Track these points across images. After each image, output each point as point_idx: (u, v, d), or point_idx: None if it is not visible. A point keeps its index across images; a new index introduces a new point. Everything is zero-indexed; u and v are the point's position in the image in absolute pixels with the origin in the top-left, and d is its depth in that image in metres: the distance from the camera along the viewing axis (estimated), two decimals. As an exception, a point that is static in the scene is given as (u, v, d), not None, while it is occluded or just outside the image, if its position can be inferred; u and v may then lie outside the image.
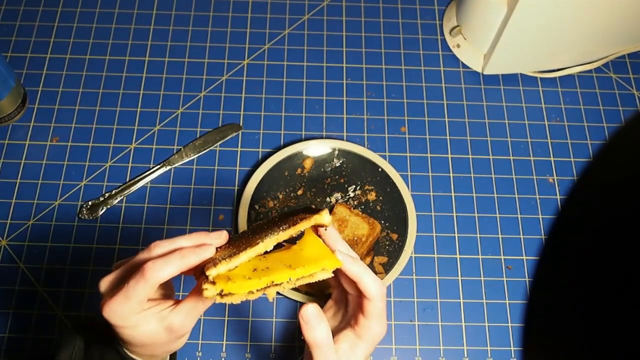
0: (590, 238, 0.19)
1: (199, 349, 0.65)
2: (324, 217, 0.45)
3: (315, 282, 0.46)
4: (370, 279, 0.47)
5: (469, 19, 0.81)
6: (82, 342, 0.49)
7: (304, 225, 0.45)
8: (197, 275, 0.45)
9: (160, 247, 0.44)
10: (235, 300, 0.42)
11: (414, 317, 0.68)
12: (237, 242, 0.45)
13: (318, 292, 0.65)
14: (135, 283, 0.42)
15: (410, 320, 0.67)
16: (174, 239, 0.45)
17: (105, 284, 0.45)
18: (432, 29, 0.86)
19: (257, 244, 0.43)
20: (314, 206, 0.54)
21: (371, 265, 0.68)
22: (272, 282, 0.42)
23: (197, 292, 0.44)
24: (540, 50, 0.79)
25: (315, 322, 0.44)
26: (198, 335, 0.66)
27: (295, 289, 0.65)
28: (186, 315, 0.45)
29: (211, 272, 0.41)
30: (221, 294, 0.41)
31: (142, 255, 0.44)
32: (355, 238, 0.67)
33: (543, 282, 0.22)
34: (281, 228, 0.44)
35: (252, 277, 0.42)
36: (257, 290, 0.42)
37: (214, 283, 0.41)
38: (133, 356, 0.48)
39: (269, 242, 0.43)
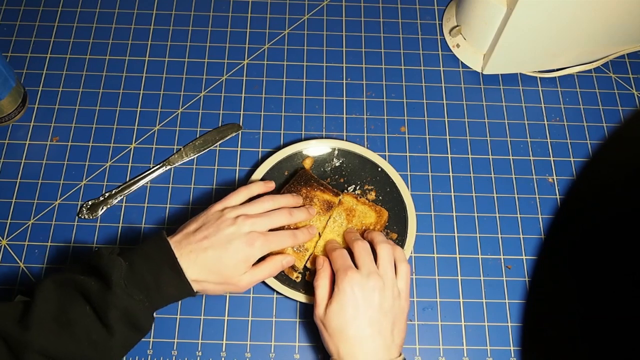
0: (588, 237, 0.19)
1: (199, 349, 0.65)
2: (344, 198, 0.69)
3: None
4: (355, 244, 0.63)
5: (468, 19, 0.81)
6: (127, 266, 0.53)
7: (335, 210, 0.68)
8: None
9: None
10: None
11: (413, 316, 0.68)
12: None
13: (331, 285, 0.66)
14: (283, 237, 0.60)
15: (410, 319, 0.67)
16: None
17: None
18: (432, 28, 0.86)
19: (315, 237, 0.66)
20: (316, 177, 0.70)
21: None
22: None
23: (269, 263, 0.61)
24: (540, 50, 0.79)
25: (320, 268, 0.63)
26: (198, 334, 0.66)
27: (305, 291, 0.65)
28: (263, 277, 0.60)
29: (301, 267, 0.65)
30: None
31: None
32: (363, 227, 0.67)
33: (541, 282, 0.22)
34: (318, 213, 0.67)
35: (308, 250, 0.66)
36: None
37: (296, 270, 0.66)
38: (191, 283, 0.54)
39: (318, 231, 0.67)
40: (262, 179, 0.71)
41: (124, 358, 0.64)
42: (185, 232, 0.57)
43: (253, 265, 0.58)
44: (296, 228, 0.63)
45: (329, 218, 0.68)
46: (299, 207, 0.64)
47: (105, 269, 0.51)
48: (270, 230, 0.60)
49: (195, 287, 0.55)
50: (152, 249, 0.54)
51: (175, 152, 0.76)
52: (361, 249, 0.61)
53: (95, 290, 0.51)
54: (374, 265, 0.59)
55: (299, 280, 0.66)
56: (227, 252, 0.55)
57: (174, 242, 0.55)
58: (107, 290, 0.50)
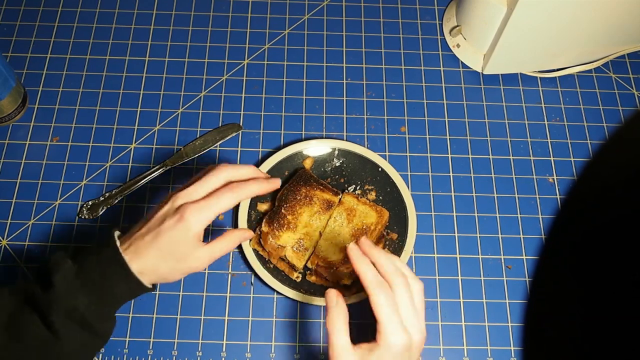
0: (589, 238, 0.19)
1: (199, 349, 0.65)
2: (341, 196, 0.69)
3: (331, 272, 0.63)
4: (367, 281, 0.50)
5: (468, 19, 0.81)
6: (72, 264, 0.50)
7: (336, 210, 0.68)
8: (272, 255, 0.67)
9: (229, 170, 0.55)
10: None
11: (414, 316, 0.68)
12: (282, 220, 0.66)
13: (334, 285, 0.66)
14: (221, 194, 0.52)
15: (410, 319, 0.67)
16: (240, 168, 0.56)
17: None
18: (432, 28, 0.86)
19: (315, 234, 0.67)
20: (315, 176, 0.70)
21: None
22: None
23: (227, 235, 0.55)
24: (540, 50, 0.79)
25: (333, 306, 0.50)
26: (198, 334, 0.66)
27: (305, 291, 0.65)
28: (221, 251, 0.54)
29: (300, 265, 0.66)
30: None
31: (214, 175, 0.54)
32: (364, 226, 0.67)
33: (542, 282, 0.22)
34: (317, 212, 0.68)
35: (310, 250, 0.67)
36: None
37: (296, 270, 0.67)
38: (138, 276, 0.50)
39: (318, 231, 0.67)
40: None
41: None
42: (132, 230, 0.53)
43: (216, 239, 0.54)
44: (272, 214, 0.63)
45: (329, 217, 0.68)
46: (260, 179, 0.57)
47: (50, 271, 0.49)
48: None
49: (149, 278, 0.51)
50: (100, 248, 0.51)
51: (175, 152, 0.76)
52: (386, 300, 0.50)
53: (39, 294, 0.48)
54: (403, 326, 0.49)
55: (299, 280, 0.66)
56: (163, 234, 0.50)
57: (121, 240, 0.52)
58: (49, 293, 0.48)
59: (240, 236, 0.57)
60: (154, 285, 0.53)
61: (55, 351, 0.48)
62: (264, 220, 0.66)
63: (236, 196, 0.53)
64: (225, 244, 0.54)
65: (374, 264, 0.52)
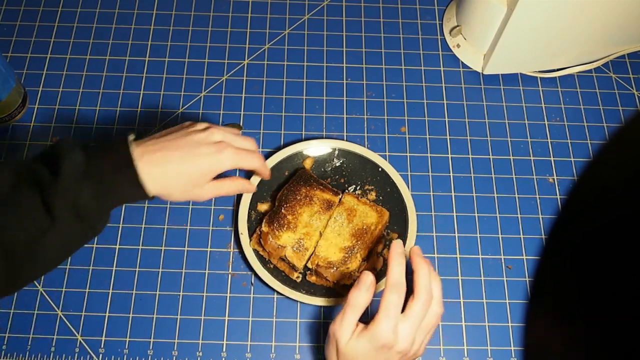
0: (590, 238, 0.19)
1: (199, 349, 0.65)
2: (341, 196, 0.69)
3: (332, 273, 0.65)
4: (391, 277, 0.53)
5: (469, 19, 0.81)
6: (82, 155, 0.50)
7: (336, 210, 0.68)
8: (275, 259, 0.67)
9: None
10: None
11: (414, 316, 0.68)
12: (282, 220, 0.66)
13: (334, 285, 0.66)
14: (254, 155, 0.58)
15: (410, 320, 0.67)
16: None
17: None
18: (432, 28, 0.86)
19: (314, 235, 0.67)
20: (315, 176, 0.70)
21: (381, 254, 0.69)
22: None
23: (234, 179, 0.60)
24: (540, 50, 0.79)
25: (364, 286, 0.53)
26: (198, 335, 0.66)
27: (305, 291, 0.65)
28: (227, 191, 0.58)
29: (300, 265, 0.66)
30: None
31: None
32: (364, 227, 0.67)
33: (543, 282, 0.22)
34: (318, 212, 0.68)
35: (310, 250, 0.67)
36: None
37: (296, 270, 0.67)
38: (144, 183, 0.50)
39: (318, 233, 0.67)
40: (262, 180, 0.71)
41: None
42: (152, 135, 0.54)
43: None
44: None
45: (330, 218, 0.68)
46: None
47: (59, 157, 0.49)
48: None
49: (156, 189, 0.51)
50: (114, 145, 0.51)
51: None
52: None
53: (45, 176, 0.48)
54: (395, 327, 0.52)
55: (299, 280, 0.66)
56: (195, 156, 0.53)
57: (138, 142, 0.52)
58: (55, 179, 0.48)
59: (244, 185, 0.61)
60: (153, 196, 0.53)
61: (48, 235, 0.48)
62: (264, 221, 0.67)
63: (261, 164, 0.59)
64: (229, 185, 0.58)
65: (414, 272, 0.54)
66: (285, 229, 0.66)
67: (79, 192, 0.48)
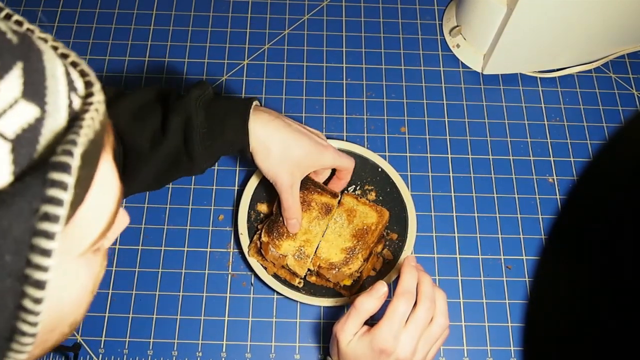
0: (590, 238, 0.19)
1: (199, 349, 0.65)
2: (339, 198, 0.68)
3: (333, 274, 0.64)
4: (402, 286, 0.54)
5: (468, 19, 0.81)
6: (212, 91, 0.57)
7: (335, 211, 0.68)
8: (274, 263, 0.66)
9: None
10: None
11: (414, 317, 0.68)
12: (286, 232, 0.65)
13: (335, 286, 0.66)
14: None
15: (410, 320, 0.67)
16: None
17: None
18: (432, 29, 0.86)
19: (315, 239, 0.66)
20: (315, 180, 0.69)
21: (381, 254, 0.69)
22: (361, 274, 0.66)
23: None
24: (540, 50, 0.79)
25: (375, 294, 0.54)
26: (198, 335, 0.66)
27: (305, 291, 0.65)
28: None
29: (301, 273, 0.65)
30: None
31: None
32: (365, 227, 0.67)
33: (543, 282, 0.22)
34: (316, 217, 0.66)
35: (310, 257, 0.65)
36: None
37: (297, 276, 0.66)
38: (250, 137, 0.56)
39: (319, 235, 0.66)
40: (262, 180, 0.71)
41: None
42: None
43: None
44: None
45: (330, 219, 0.68)
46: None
47: (191, 88, 0.56)
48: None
49: (258, 144, 0.56)
50: (240, 99, 0.58)
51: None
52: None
53: (174, 97, 0.56)
54: (397, 335, 0.52)
55: (301, 285, 0.66)
56: (303, 135, 0.59)
57: (260, 107, 0.59)
58: (181, 99, 0.55)
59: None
60: (242, 151, 0.58)
61: (159, 149, 0.54)
62: (263, 231, 0.66)
63: (352, 166, 0.68)
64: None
65: (417, 283, 0.54)
66: (285, 237, 0.65)
67: (195, 112, 0.54)
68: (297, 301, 0.66)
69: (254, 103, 0.58)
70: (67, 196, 0.22)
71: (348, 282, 0.65)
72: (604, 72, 0.84)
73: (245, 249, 0.67)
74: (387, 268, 0.67)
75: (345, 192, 0.71)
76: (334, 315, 0.67)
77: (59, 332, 0.31)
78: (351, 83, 0.81)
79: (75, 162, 0.23)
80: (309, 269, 0.66)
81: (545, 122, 0.80)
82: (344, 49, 0.84)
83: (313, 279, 0.67)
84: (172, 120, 0.54)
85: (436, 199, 0.74)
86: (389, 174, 0.72)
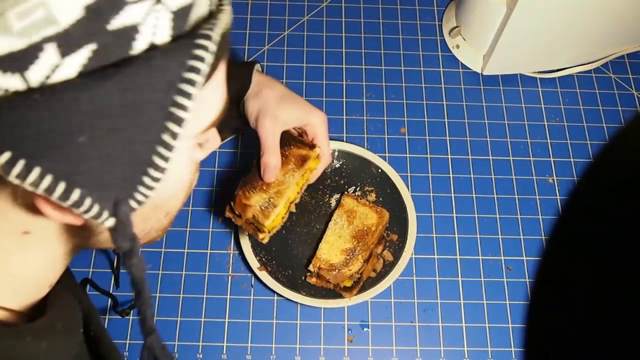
0: (590, 239, 0.19)
1: (200, 351, 0.65)
2: (317, 151, 0.62)
3: (334, 275, 0.63)
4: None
5: (468, 20, 0.81)
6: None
7: (310, 164, 0.62)
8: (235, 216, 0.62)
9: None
10: (277, 228, 0.61)
11: (414, 318, 0.68)
12: (259, 185, 0.61)
13: (335, 287, 0.65)
14: None
15: (410, 321, 0.67)
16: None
17: None
18: (432, 29, 0.86)
19: (285, 190, 0.60)
20: (296, 134, 0.65)
21: (382, 255, 0.69)
22: (290, 201, 0.61)
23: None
24: (539, 51, 0.79)
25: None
26: (198, 337, 0.66)
27: (305, 293, 0.65)
28: None
29: (267, 224, 0.58)
30: (269, 231, 0.60)
31: None
32: (365, 228, 0.67)
33: (544, 283, 0.22)
34: (291, 169, 0.62)
35: (278, 208, 0.59)
36: (285, 214, 0.61)
37: (264, 231, 0.59)
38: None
39: (293, 188, 0.61)
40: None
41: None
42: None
43: None
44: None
45: (330, 220, 0.68)
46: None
47: None
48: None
49: (259, 88, 0.60)
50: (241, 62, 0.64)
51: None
52: None
53: None
54: None
55: (265, 241, 0.61)
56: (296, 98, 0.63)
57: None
58: None
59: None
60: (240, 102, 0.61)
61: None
62: (239, 185, 0.62)
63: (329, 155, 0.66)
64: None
65: None
66: (257, 190, 0.60)
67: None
68: (297, 303, 0.66)
69: (256, 66, 0.61)
70: (208, 57, 0.29)
71: (348, 284, 0.65)
72: (603, 72, 0.84)
73: (246, 251, 0.67)
74: (387, 269, 0.67)
75: (346, 193, 0.71)
76: (335, 316, 0.67)
77: (156, 219, 0.37)
78: (351, 84, 0.81)
79: (216, 36, 0.29)
80: (309, 270, 0.66)
81: (545, 123, 0.80)
82: (343, 50, 0.84)
83: (313, 280, 0.67)
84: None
85: (436, 200, 0.74)
86: (389, 175, 0.72)
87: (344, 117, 0.79)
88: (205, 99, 0.32)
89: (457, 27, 0.83)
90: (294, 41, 0.85)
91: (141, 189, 0.30)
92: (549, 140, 0.78)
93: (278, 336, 0.66)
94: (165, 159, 0.29)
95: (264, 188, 0.61)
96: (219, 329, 0.66)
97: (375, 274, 0.68)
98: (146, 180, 0.30)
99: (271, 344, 0.66)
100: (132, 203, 0.30)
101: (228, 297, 0.68)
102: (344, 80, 0.82)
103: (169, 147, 0.29)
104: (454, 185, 0.75)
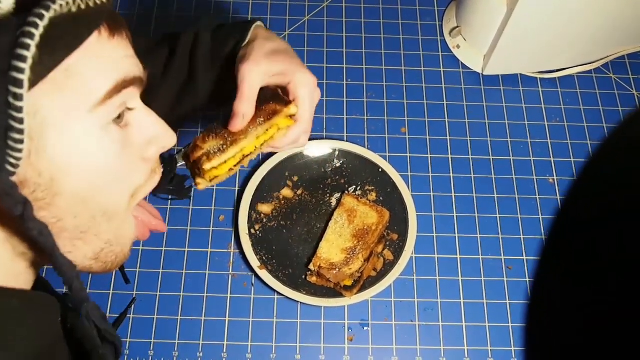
0: (590, 237, 0.19)
1: (200, 350, 0.65)
2: (291, 109, 0.53)
3: (334, 274, 0.61)
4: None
5: (469, 20, 0.81)
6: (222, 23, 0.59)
7: (277, 119, 0.52)
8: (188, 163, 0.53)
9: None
10: (221, 179, 0.52)
11: (414, 317, 0.68)
12: (221, 133, 0.52)
13: (335, 285, 0.66)
14: None
15: (410, 320, 0.68)
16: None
17: None
18: (432, 29, 0.87)
19: (241, 140, 0.51)
20: (280, 94, 0.55)
21: (382, 255, 0.69)
22: (243, 154, 0.52)
23: None
24: (540, 51, 0.79)
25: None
26: (199, 336, 0.66)
27: (306, 292, 0.65)
28: None
29: (206, 166, 0.49)
30: (210, 180, 0.50)
31: None
32: (365, 227, 0.67)
33: (543, 282, 0.22)
34: (258, 122, 0.52)
35: (226, 154, 0.50)
36: (235, 166, 0.51)
37: (203, 176, 0.50)
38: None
39: (250, 140, 0.51)
40: (263, 180, 0.72)
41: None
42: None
43: None
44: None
45: (331, 220, 0.68)
46: None
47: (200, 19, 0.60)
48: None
49: (256, 37, 0.55)
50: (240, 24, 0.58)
51: (176, 152, 0.76)
52: None
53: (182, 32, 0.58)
54: None
55: (200, 187, 0.52)
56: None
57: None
58: (190, 29, 0.57)
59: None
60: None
61: (167, 69, 0.56)
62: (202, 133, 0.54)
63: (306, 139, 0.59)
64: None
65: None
66: (217, 137, 0.52)
67: (202, 32, 0.55)
68: (297, 301, 0.66)
69: (257, 23, 0.57)
70: (38, 32, 0.31)
71: (349, 283, 0.65)
72: (604, 72, 0.84)
73: (246, 250, 0.67)
74: (387, 268, 0.67)
75: (346, 192, 0.72)
76: (335, 315, 0.68)
77: (90, 217, 0.36)
78: (351, 84, 0.82)
79: (48, 15, 0.31)
80: (309, 269, 0.67)
81: (546, 123, 0.80)
82: (344, 50, 0.84)
83: (314, 279, 0.67)
84: (181, 41, 0.56)
85: (437, 200, 0.74)
86: (390, 174, 0.72)
87: (345, 116, 0.79)
88: (74, 69, 0.33)
89: (457, 27, 0.83)
90: (294, 41, 0.85)
91: (10, 152, 0.32)
92: (549, 140, 0.79)
93: (278, 335, 0.66)
94: (19, 120, 0.31)
95: (225, 136, 0.52)
96: (220, 328, 0.66)
97: (375, 273, 0.68)
98: (10, 143, 0.31)
99: (271, 342, 0.66)
100: (9, 167, 0.32)
101: (228, 295, 0.68)
102: (345, 80, 0.82)
103: (18, 109, 0.31)
104: (454, 184, 0.75)
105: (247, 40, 0.55)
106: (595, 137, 0.79)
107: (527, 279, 0.70)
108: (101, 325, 0.41)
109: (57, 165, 0.34)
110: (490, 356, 0.66)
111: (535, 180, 0.76)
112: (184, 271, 0.69)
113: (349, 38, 0.85)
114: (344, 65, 0.83)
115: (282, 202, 0.72)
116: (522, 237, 0.72)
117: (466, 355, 0.66)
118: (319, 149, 0.74)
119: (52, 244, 0.34)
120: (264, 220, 0.71)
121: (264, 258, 0.68)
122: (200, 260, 0.70)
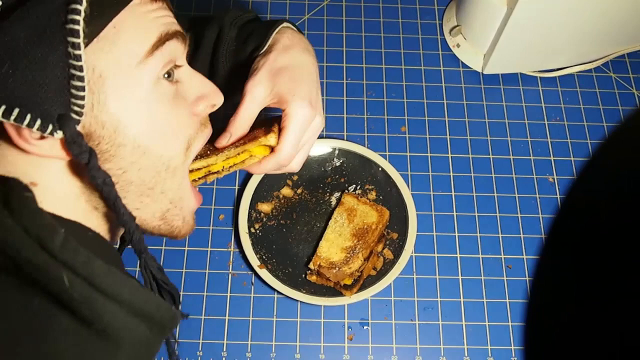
0: (590, 236, 0.19)
1: (200, 349, 0.65)
2: (269, 139, 0.50)
3: (334, 273, 0.61)
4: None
5: (469, 19, 0.81)
6: (253, 15, 0.59)
7: (251, 146, 0.50)
8: None
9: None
10: None
11: (414, 316, 0.68)
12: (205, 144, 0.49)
13: (335, 285, 0.66)
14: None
15: (410, 319, 0.68)
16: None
17: None
18: (432, 28, 0.86)
19: (211, 155, 0.49)
20: (272, 121, 0.53)
21: (382, 254, 0.69)
22: (209, 170, 0.50)
23: None
24: (540, 50, 0.79)
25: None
26: (199, 334, 0.66)
27: (305, 290, 0.65)
28: None
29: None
30: None
31: None
32: (365, 226, 0.67)
33: (543, 282, 0.22)
34: (235, 144, 0.50)
35: (192, 165, 0.48)
36: (198, 179, 0.50)
37: None
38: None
39: (220, 158, 0.50)
40: (263, 179, 0.72)
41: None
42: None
43: None
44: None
45: (330, 219, 0.68)
46: None
47: (232, 9, 0.60)
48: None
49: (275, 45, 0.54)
50: (271, 20, 0.58)
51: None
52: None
53: (209, 18, 0.58)
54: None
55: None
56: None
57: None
58: (218, 17, 0.58)
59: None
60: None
61: (190, 61, 0.54)
62: None
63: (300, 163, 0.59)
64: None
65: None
66: (201, 149, 0.48)
67: (227, 28, 0.56)
68: (297, 300, 0.66)
69: (284, 24, 0.55)
70: None
71: (349, 282, 0.65)
72: (604, 71, 0.84)
73: (246, 249, 0.67)
74: (387, 267, 0.67)
75: (346, 191, 0.72)
76: (335, 314, 0.68)
77: (153, 169, 0.39)
78: (351, 82, 0.82)
79: None
80: (309, 268, 0.67)
81: (546, 122, 0.80)
82: (344, 49, 0.84)
83: (314, 278, 0.67)
84: (205, 35, 0.55)
85: (436, 199, 0.74)
86: (389, 173, 0.72)
87: (345, 115, 0.79)
88: (122, 26, 0.36)
89: (457, 26, 0.83)
90: (294, 40, 0.85)
91: (73, 100, 0.34)
92: (549, 139, 0.79)
93: (278, 334, 0.66)
94: (79, 68, 0.33)
95: (207, 152, 0.50)
96: (219, 327, 0.66)
97: (375, 272, 0.68)
98: (74, 91, 0.34)
99: (271, 341, 0.66)
100: (74, 116, 0.34)
101: (228, 294, 0.68)
102: (345, 78, 0.82)
103: (77, 58, 0.33)
104: (454, 183, 0.75)
105: (266, 47, 0.53)
106: (596, 136, 0.79)
107: (527, 278, 0.70)
108: (158, 275, 0.43)
109: (117, 117, 0.37)
110: (490, 355, 0.66)
111: (535, 179, 0.76)
112: (183, 270, 0.69)
113: (349, 37, 0.85)
114: (344, 64, 0.83)
115: (282, 201, 0.72)
116: (522, 236, 0.72)
117: (466, 354, 0.66)
118: (318, 148, 0.74)
119: (115, 193, 0.36)
120: (264, 219, 0.71)
121: (264, 257, 0.68)
122: (200, 259, 0.70)
